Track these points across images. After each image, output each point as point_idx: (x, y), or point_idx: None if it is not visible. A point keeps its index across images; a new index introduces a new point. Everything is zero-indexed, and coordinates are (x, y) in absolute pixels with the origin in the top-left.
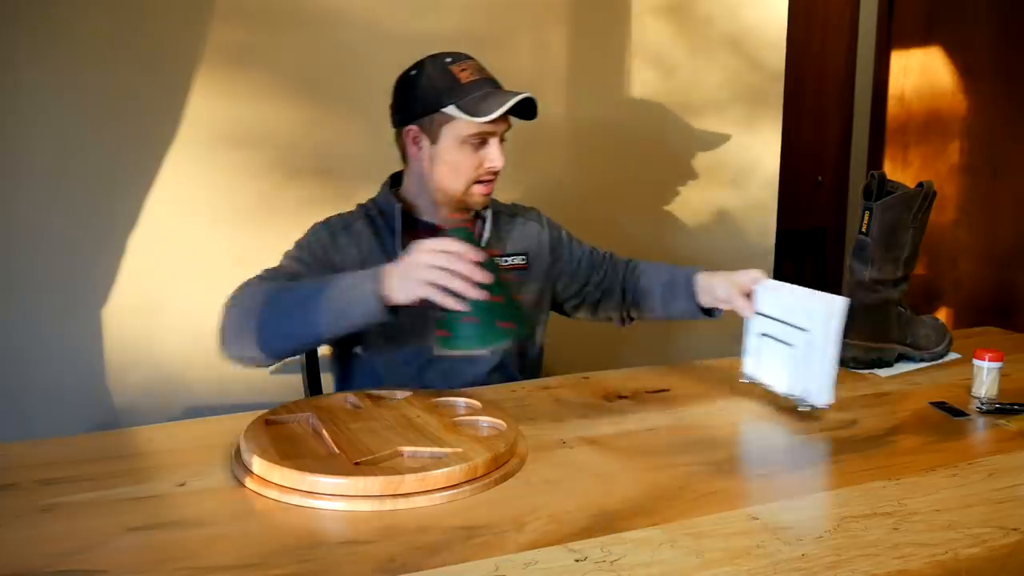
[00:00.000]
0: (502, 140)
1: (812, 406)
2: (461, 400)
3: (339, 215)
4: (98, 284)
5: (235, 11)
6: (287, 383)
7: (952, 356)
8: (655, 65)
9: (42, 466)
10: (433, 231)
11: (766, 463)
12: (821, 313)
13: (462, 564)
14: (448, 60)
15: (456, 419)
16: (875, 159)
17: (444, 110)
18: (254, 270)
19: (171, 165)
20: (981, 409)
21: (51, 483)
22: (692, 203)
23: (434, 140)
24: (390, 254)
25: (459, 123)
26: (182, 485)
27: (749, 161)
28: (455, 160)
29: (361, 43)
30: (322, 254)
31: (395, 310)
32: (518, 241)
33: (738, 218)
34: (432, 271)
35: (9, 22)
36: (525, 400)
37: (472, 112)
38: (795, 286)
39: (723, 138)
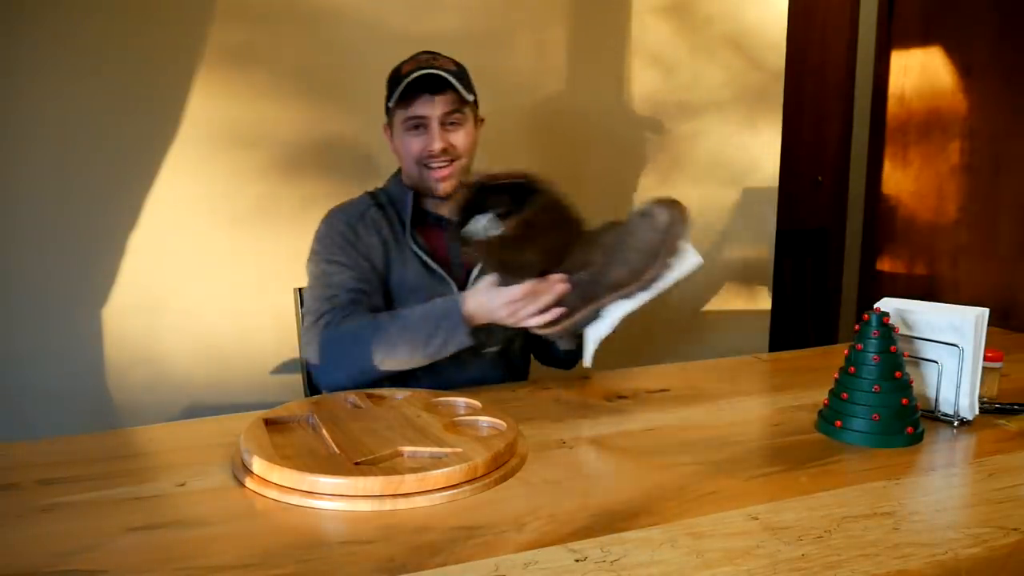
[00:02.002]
0: (449, 124)
1: (964, 419)
2: (461, 400)
3: (348, 203)
4: (98, 284)
5: (235, 11)
6: (287, 383)
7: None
8: (655, 65)
9: (42, 466)
10: (439, 223)
11: (766, 463)
12: (970, 327)
13: (462, 564)
14: (405, 60)
15: (456, 419)
16: (875, 159)
17: (390, 103)
18: (254, 269)
19: (171, 165)
20: (982, 409)
21: (51, 483)
22: (692, 203)
23: (393, 133)
24: (402, 243)
25: (397, 111)
26: (182, 485)
27: (749, 161)
28: (403, 147)
29: (361, 43)
30: (352, 250)
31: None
32: None
33: (738, 218)
34: (511, 318)
35: (10, 23)
36: (525, 400)
37: (392, 98)
38: (920, 302)
39: (723, 138)
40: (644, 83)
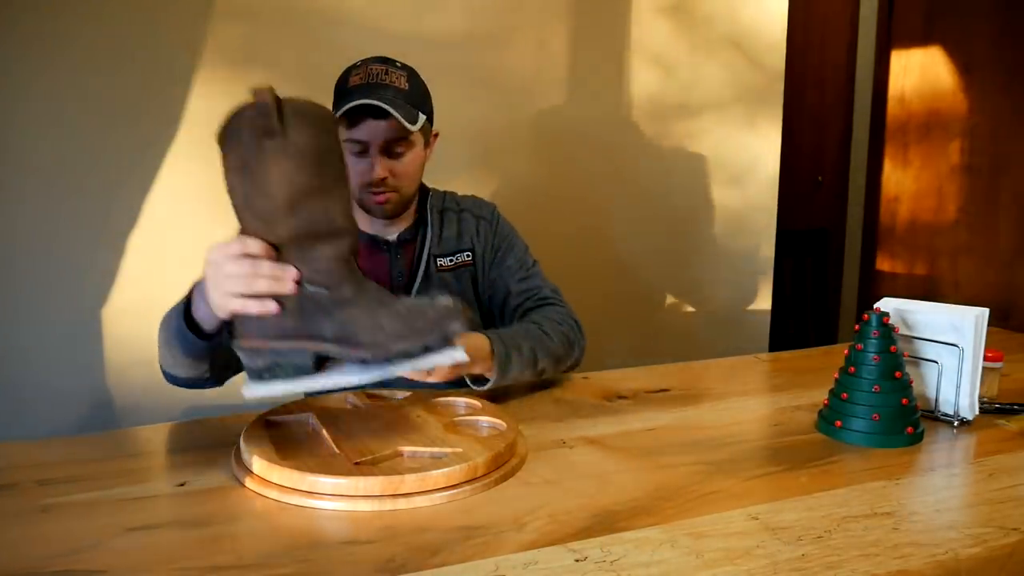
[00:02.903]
0: (392, 148)
1: (964, 419)
2: (461, 400)
3: None
4: (98, 284)
5: (235, 10)
6: None
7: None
8: (655, 65)
9: (42, 466)
10: (377, 244)
11: (766, 463)
12: (970, 327)
13: (462, 564)
14: (357, 64)
15: (456, 419)
16: (875, 159)
17: (335, 112)
18: None
19: (171, 164)
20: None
21: (51, 483)
22: (692, 203)
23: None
24: None
25: (341, 130)
26: (182, 485)
27: (749, 161)
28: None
29: (362, 42)
30: None
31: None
32: (464, 238)
33: (738, 218)
34: (235, 281)
35: (10, 22)
36: (525, 400)
37: (337, 113)
38: (920, 302)
39: (723, 138)
40: (644, 83)
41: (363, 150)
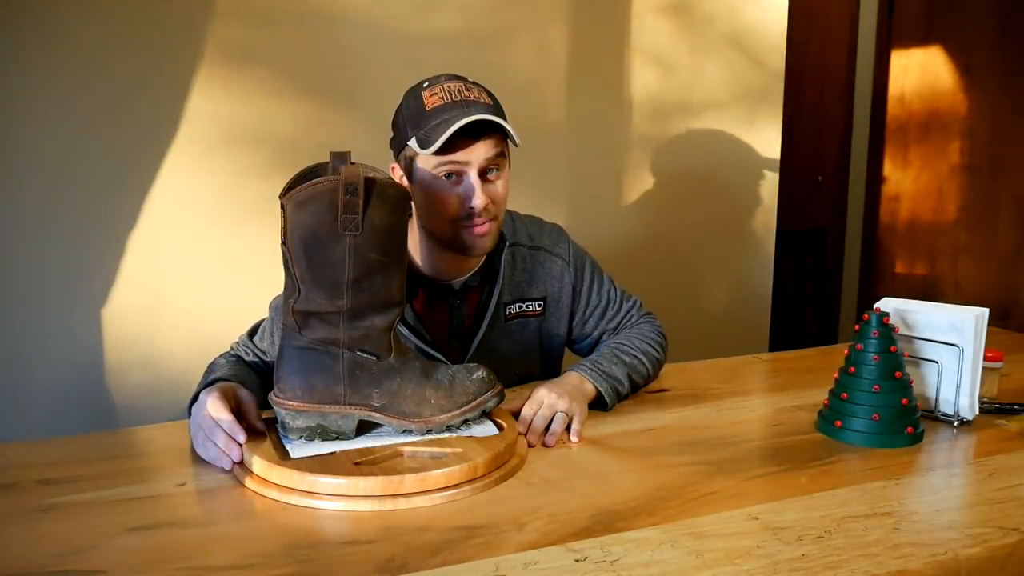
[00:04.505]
0: (488, 172)
1: (964, 419)
2: None
3: None
4: (98, 284)
5: (236, 10)
6: None
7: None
8: (655, 65)
9: (42, 466)
10: (433, 289)
11: (766, 463)
12: (970, 327)
13: (462, 564)
14: (425, 84)
15: None
16: (875, 159)
17: (408, 143)
18: (254, 269)
19: (172, 164)
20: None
21: (51, 483)
22: (692, 203)
23: (410, 178)
24: None
25: (423, 157)
26: (182, 485)
27: (749, 161)
28: (431, 198)
29: (362, 42)
30: None
31: None
32: (539, 284)
33: (738, 218)
34: (196, 436)
35: (10, 22)
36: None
37: (424, 143)
38: (920, 302)
39: (723, 138)
40: (644, 83)
41: (457, 175)
